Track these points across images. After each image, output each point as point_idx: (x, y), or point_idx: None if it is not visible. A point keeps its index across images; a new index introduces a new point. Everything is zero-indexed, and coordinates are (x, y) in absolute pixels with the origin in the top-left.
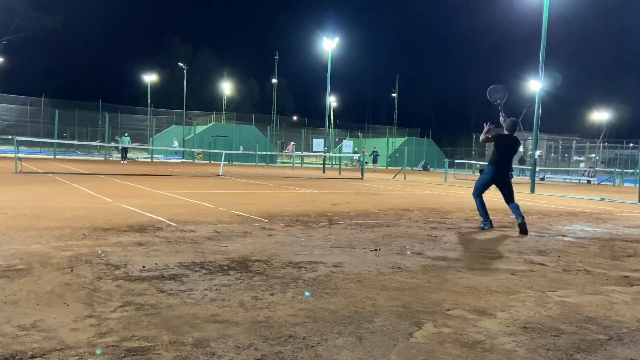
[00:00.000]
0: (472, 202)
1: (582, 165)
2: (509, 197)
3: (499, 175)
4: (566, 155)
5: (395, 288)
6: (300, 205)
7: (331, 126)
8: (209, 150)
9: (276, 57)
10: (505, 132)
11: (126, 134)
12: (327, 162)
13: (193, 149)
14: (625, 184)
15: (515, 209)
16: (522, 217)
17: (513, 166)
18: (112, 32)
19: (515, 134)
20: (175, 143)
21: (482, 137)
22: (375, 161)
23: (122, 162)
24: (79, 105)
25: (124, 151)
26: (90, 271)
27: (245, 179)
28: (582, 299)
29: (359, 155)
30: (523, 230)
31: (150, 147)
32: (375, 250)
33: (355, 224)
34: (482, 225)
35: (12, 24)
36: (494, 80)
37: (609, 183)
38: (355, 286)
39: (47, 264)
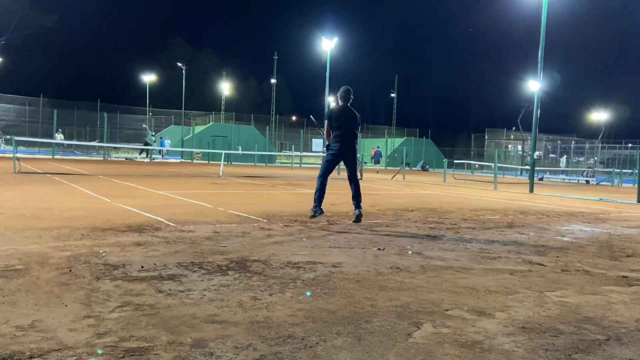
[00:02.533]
0: (471, 202)
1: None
2: (352, 174)
3: (344, 150)
4: (565, 155)
5: (394, 288)
6: (299, 205)
7: None
8: (207, 150)
9: (275, 57)
10: (340, 102)
11: (154, 134)
12: None
13: (192, 149)
14: (624, 184)
15: (356, 195)
16: (359, 209)
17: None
18: (111, 32)
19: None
20: (168, 142)
21: (326, 137)
22: (377, 161)
23: (145, 160)
24: (77, 105)
25: (147, 150)
26: (89, 271)
27: (244, 179)
28: (581, 299)
29: (359, 155)
30: (358, 219)
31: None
32: (379, 250)
33: (354, 223)
34: (313, 213)
35: (11, 24)
36: (493, 80)
37: (608, 183)
38: (354, 286)
39: (45, 264)
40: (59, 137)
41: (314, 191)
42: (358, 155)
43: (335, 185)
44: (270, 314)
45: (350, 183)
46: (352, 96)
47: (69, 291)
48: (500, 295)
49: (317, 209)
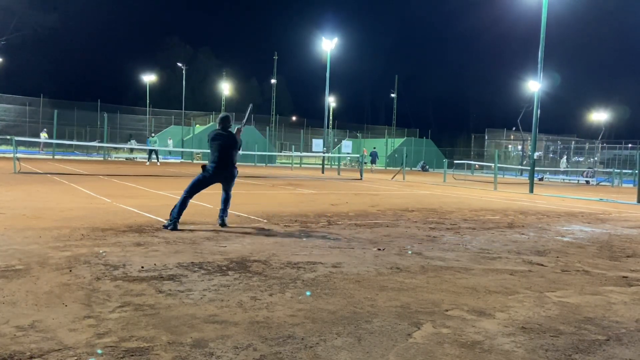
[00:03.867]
0: (471, 202)
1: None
2: (227, 189)
3: (215, 174)
4: (565, 156)
5: (394, 288)
6: (299, 205)
7: (330, 126)
8: (208, 151)
9: (275, 57)
10: (217, 126)
11: (153, 135)
12: (326, 163)
13: (192, 149)
14: (624, 185)
15: (225, 203)
16: (224, 216)
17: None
18: (111, 32)
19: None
20: (170, 142)
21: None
22: (373, 161)
23: (147, 163)
24: (77, 106)
25: (152, 152)
26: (89, 271)
27: (244, 179)
28: (581, 299)
29: (359, 155)
30: (222, 224)
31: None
32: (379, 250)
33: (354, 224)
34: (167, 224)
35: (11, 24)
36: (493, 80)
37: (608, 183)
38: (354, 286)
39: (45, 264)
40: (43, 137)
41: (312, 192)
42: (358, 155)
43: (336, 185)
44: (270, 314)
45: (225, 193)
46: (230, 123)
47: (69, 291)
48: (500, 295)
49: (173, 223)
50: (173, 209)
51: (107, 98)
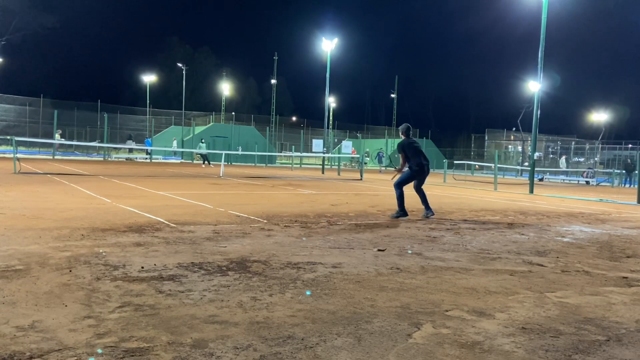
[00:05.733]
0: (471, 203)
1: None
2: (419, 186)
3: (420, 172)
4: (565, 156)
5: (394, 289)
6: (299, 205)
7: (330, 127)
8: (208, 151)
9: (275, 57)
10: (402, 137)
11: (203, 141)
12: (326, 163)
13: (192, 150)
14: (624, 185)
15: (426, 200)
16: (429, 210)
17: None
18: (111, 32)
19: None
20: (175, 143)
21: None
22: (380, 162)
23: (202, 165)
24: (77, 106)
25: (204, 157)
26: (89, 272)
27: (244, 180)
28: (581, 299)
29: (359, 156)
30: (427, 217)
31: (150, 148)
32: (379, 250)
33: (354, 224)
34: (396, 215)
35: (11, 24)
36: (493, 80)
37: (608, 184)
38: (354, 287)
39: (45, 264)
40: (57, 137)
41: (313, 192)
42: (358, 155)
43: (336, 186)
44: (270, 314)
45: (417, 191)
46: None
47: (69, 291)
48: (500, 295)
49: (402, 213)
50: (399, 204)
51: (107, 98)
